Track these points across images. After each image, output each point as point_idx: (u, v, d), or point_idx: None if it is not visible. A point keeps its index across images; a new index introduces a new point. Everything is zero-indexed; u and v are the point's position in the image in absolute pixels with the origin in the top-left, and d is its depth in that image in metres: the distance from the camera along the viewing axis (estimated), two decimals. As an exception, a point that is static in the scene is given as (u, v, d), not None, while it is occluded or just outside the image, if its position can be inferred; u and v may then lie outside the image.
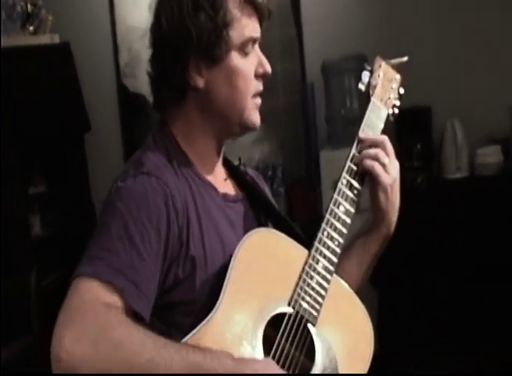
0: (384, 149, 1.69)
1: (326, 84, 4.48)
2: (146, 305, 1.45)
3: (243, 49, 1.61)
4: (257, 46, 1.66)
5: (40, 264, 3.90)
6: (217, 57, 1.59)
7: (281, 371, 1.47)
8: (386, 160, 1.67)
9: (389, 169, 1.68)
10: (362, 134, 1.71)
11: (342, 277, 1.68)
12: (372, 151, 1.68)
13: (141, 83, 4.59)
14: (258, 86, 1.65)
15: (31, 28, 4.26)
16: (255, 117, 1.66)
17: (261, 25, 1.66)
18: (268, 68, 1.66)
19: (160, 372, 1.34)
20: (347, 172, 1.68)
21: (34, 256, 4.01)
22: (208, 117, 1.63)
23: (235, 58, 1.60)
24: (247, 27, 1.61)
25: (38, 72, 4.21)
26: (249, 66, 1.63)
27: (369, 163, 1.67)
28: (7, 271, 3.81)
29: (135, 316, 1.42)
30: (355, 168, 1.68)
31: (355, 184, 1.68)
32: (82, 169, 4.37)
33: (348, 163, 1.68)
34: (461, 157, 4.49)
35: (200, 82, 1.60)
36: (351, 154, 1.69)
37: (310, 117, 4.57)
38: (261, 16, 1.65)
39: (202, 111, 1.63)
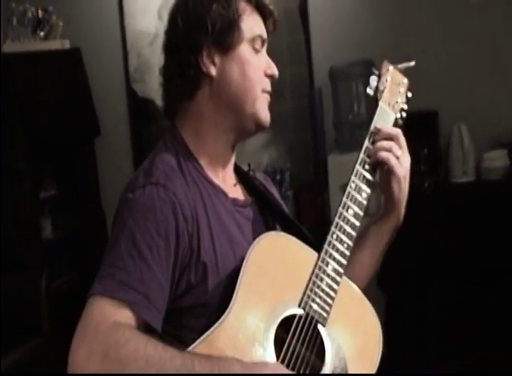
0: (398, 142, 1.73)
1: (334, 89, 4.49)
2: (157, 316, 1.48)
3: (253, 45, 1.68)
4: (265, 50, 1.72)
5: (50, 266, 3.94)
6: (229, 45, 1.65)
7: (289, 374, 1.49)
8: (399, 152, 1.72)
9: (402, 161, 1.72)
10: (377, 125, 1.75)
11: (355, 268, 1.73)
12: (386, 143, 1.71)
13: (150, 88, 4.63)
14: (267, 84, 1.71)
15: (42, 34, 4.29)
16: (266, 113, 1.70)
17: (267, 32, 1.72)
18: (276, 71, 1.72)
19: None
20: (359, 165, 1.71)
21: (44, 258, 4.05)
22: (220, 109, 1.67)
23: (246, 50, 1.67)
24: (256, 25, 1.69)
25: (49, 77, 4.25)
26: (259, 63, 1.69)
27: (384, 154, 1.71)
28: (18, 273, 3.84)
29: (147, 326, 1.46)
30: (367, 159, 1.72)
31: (368, 176, 1.72)
32: (92, 173, 4.40)
33: (362, 155, 1.72)
34: (468, 162, 4.50)
35: (213, 70, 1.65)
36: (364, 146, 1.73)
37: (318, 121, 4.59)
38: (267, 23, 1.72)
39: (214, 103, 1.66)
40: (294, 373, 1.52)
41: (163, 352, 1.39)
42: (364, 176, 1.72)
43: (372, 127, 1.76)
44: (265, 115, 1.69)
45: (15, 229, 3.98)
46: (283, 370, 1.49)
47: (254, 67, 1.67)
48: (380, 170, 1.74)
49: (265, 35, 1.71)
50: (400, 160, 1.72)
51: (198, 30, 1.64)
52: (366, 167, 1.72)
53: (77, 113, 4.31)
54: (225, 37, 1.64)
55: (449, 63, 4.66)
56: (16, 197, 3.99)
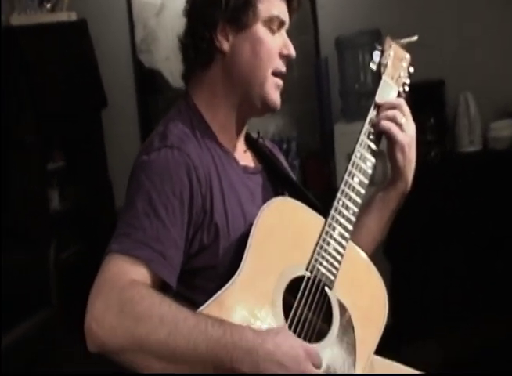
0: (401, 110, 1.75)
1: (340, 58, 4.49)
2: (172, 273, 1.51)
3: (269, 25, 1.68)
4: (284, 31, 1.72)
5: (58, 238, 3.96)
6: (243, 23, 1.65)
7: (300, 343, 1.50)
8: (403, 120, 1.74)
9: (406, 129, 1.74)
10: (378, 100, 1.77)
11: (362, 233, 1.76)
12: (389, 112, 1.74)
13: (156, 59, 4.63)
14: (281, 65, 1.71)
15: (49, 6, 4.30)
16: (275, 96, 1.71)
17: (290, 14, 1.72)
18: (293, 51, 1.72)
19: (180, 346, 1.39)
20: (364, 134, 1.74)
21: (52, 230, 4.08)
22: (231, 85, 1.68)
23: (260, 30, 1.67)
24: (276, 6, 1.69)
25: (56, 49, 4.25)
26: (274, 43, 1.69)
27: (386, 124, 1.74)
28: (26, 245, 3.87)
29: (163, 284, 1.49)
30: (372, 129, 1.75)
31: (373, 145, 1.75)
32: (99, 144, 4.41)
33: (366, 125, 1.75)
34: (474, 131, 4.50)
35: (226, 46, 1.67)
36: (369, 117, 1.76)
37: (324, 91, 4.59)
38: (290, 3, 1.72)
39: (225, 78, 1.68)
40: (302, 340, 1.53)
41: (177, 312, 1.42)
42: (369, 146, 1.75)
43: (376, 98, 1.79)
44: (273, 98, 1.71)
45: (23, 200, 4.01)
46: (293, 338, 1.50)
47: (266, 47, 1.67)
48: (386, 139, 1.77)
49: (283, 16, 1.70)
50: (403, 127, 1.74)
51: (213, 5, 1.65)
52: (371, 137, 1.75)
53: (84, 85, 4.32)
54: (240, 16, 1.65)
55: (456, 33, 4.64)
56: (24, 168, 4.01)
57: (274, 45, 1.69)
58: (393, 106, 1.76)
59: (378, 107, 1.77)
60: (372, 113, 1.77)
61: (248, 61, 1.67)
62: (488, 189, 4.30)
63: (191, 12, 1.71)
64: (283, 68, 1.72)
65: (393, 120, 1.74)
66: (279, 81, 1.72)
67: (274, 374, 1.43)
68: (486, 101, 4.53)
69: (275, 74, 1.70)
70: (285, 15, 1.71)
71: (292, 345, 1.47)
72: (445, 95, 4.54)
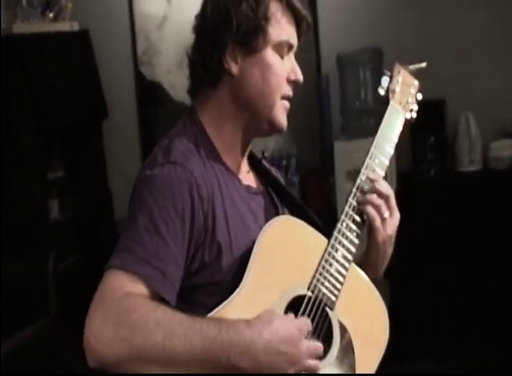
0: (388, 203, 1.72)
1: (341, 76, 4.49)
2: (171, 290, 1.51)
3: (279, 50, 1.68)
4: (292, 55, 1.72)
5: (57, 247, 3.95)
6: (253, 48, 1.65)
7: (292, 322, 1.51)
8: (386, 214, 1.72)
9: (386, 225, 1.72)
10: (371, 175, 1.74)
11: None
12: (376, 201, 1.71)
13: (158, 72, 4.63)
14: (288, 90, 1.71)
15: (51, 15, 4.28)
16: (283, 119, 1.71)
17: (299, 37, 1.72)
18: (301, 77, 1.72)
19: (176, 348, 1.39)
20: (353, 198, 1.72)
21: (52, 240, 4.07)
22: (239, 106, 1.68)
23: (270, 54, 1.67)
24: (285, 30, 1.68)
25: (58, 59, 4.24)
26: (283, 68, 1.69)
27: (371, 212, 1.71)
28: (25, 254, 3.86)
29: (162, 301, 1.48)
30: (356, 204, 1.72)
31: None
32: (99, 155, 4.40)
33: (354, 190, 1.72)
34: (475, 151, 4.51)
35: (235, 69, 1.66)
36: (357, 183, 1.73)
37: (325, 108, 4.60)
38: (300, 26, 1.72)
39: (233, 99, 1.68)
40: (291, 317, 1.53)
41: (172, 316, 1.43)
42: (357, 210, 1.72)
43: (379, 131, 1.79)
44: (280, 121, 1.71)
45: (22, 210, 4.00)
46: (285, 319, 1.51)
47: (275, 73, 1.67)
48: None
49: (293, 41, 1.71)
50: (385, 223, 1.72)
51: (224, 27, 1.65)
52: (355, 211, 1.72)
53: (85, 95, 4.32)
54: (250, 40, 1.65)
55: (458, 52, 4.66)
56: (24, 178, 4.00)
57: (283, 71, 1.69)
58: (381, 196, 1.72)
59: (366, 183, 1.73)
60: (360, 181, 1.73)
61: (257, 86, 1.67)
62: (487, 208, 4.31)
63: (201, 30, 1.70)
64: (290, 93, 1.72)
65: (378, 211, 1.71)
66: (287, 104, 1.72)
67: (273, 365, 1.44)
68: (487, 121, 4.55)
69: (283, 97, 1.70)
70: (294, 39, 1.71)
71: (287, 328, 1.48)
72: (445, 114, 4.56)
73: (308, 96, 4.60)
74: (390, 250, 1.78)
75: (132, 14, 4.64)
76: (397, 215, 1.75)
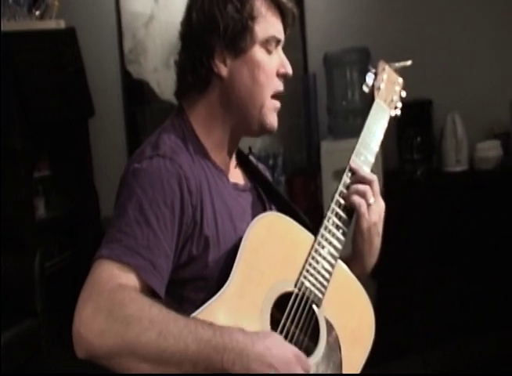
0: (372, 188, 1.73)
1: (328, 75, 4.49)
2: (161, 282, 1.51)
3: (266, 46, 1.67)
4: (280, 48, 1.71)
5: (44, 246, 3.94)
6: (241, 48, 1.65)
7: (290, 347, 1.51)
8: (371, 200, 1.72)
9: (371, 211, 1.72)
10: (353, 164, 1.75)
11: None
12: (361, 187, 1.72)
13: (144, 70, 4.62)
14: (279, 85, 1.71)
15: (38, 13, 4.27)
16: (273, 119, 1.71)
17: (285, 29, 1.72)
18: (290, 69, 1.72)
19: (170, 347, 1.38)
20: (339, 195, 1.72)
21: (38, 238, 4.05)
22: (229, 108, 1.68)
23: (258, 52, 1.66)
24: (272, 25, 1.68)
25: (44, 57, 4.23)
26: (271, 64, 1.68)
27: (357, 200, 1.71)
28: (12, 252, 3.85)
29: (151, 293, 1.48)
30: (342, 201, 1.72)
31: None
32: (85, 153, 4.39)
33: (340, 188, 1.73)
34: (461, 151, 4.53)
35: (224, 71, 1.66)
36: (343, 181, 1.73)
37: (311, 106, 4.60)
38: (286, 19, 1.71)
39: (223, 102, 1.68)
40: (291, 345, 1.53)
41: (167, 314, 1.42)
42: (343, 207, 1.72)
43: (365, 126, 1.79)
44: (271, 121, 1.70)
45: (9, 208, 3.98)
46: (283, 342, 1.51)
47: (264, 71, 1.67)
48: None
49: (279, 35, 1.70)
50: (370, 209, 1.72)
51: (211, 31, 1.64)
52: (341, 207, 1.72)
53: (72, 93, 4.30)
54: (238, 41, 1.65)
55: (445, 53, 4.68)
56: (10, 176, 3.99)
57: (271, 67, 1.68)
58: (365, 182, 1.73)
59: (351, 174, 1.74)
60: (346, 177, 1.74)
61: (247, 86, 1.66)
62: (473, 208, 4.32)
63: (187, 37, 1.69)
64: (280, 87, 1.71)
65: (363, 197, 1.71)
66: (277, 104, 1.71)
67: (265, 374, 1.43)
68: (473, 122, 4.57)
69: (274, 95, 1.69)
70: (280, 33, 1.70)
71: (282, 349, 1.47)
72: (432, 114, 4.57)
73: (295, 95, 4.60)
74: (377, 241, 1.77)
75: (119, 12, 4.62)
76: (382, 202, 1.76)
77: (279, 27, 1.70)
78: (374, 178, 1.75)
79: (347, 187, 1.73)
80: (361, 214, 1.71)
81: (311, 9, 4.64)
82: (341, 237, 1.69)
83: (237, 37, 1.64)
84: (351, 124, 4.25)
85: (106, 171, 4.25)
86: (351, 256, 1.78)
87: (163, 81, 4.55)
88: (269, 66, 1.68)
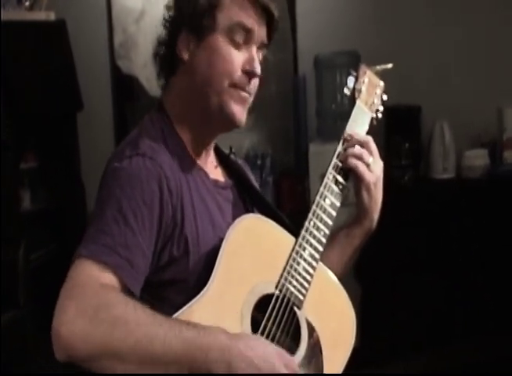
0: (369, 149, 1.76)
1: (318, 78, 4.50)
2: (138, 281, 1.50)
3: (231, 37, 1.65)
4: (254, 47, 1.69)
5: (29, 238, 3.92)
6: (202, 34, 1.65)
7: (273, 347, 1.51)
8: (370, 159, 1.75)
9: (373, 168, 1.76)
10: (348, 132, 1.79)
11: (324, 264, 1.74)
12: (357, 150, 1.75)
13: (134, 65, 4.60)
14: (241, 80, 1.67)
15: (27, 3, 4.24)
16: (236, 109, 1.67)
17: (269, 26, 1.71)
18: (256, 69, 1.68)
19: (156, 349, 1.38)
20: (333, 168, 1.75)
21: (23, 230, 4.03)
22: (192, 95, 1.68)
23: (220, 40, 1.65)
24: (236, 13, 1.66)
25: (33, 48, 4.19)
26: (236, 56, 1.66)
27: (353, 161, 1.74)
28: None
29: (128, 292, 1.47)
30: (340, 164, 1.75)
31: (340, 179, 1.75)
32: (73, 147, 4.37)
33: (334, 159, 1.76)
34: (448, 158, 4.54)
35: (185, 55, 1.67)
36: (337, 151, 1.77)
37: (301, 109, 4.59)
38: (266, 13, 1.69)
39: (188, 88, 1.68)
40: (276, 346, 1.53)
41: (151, 316, 1.42)
42: (340, 170, 1.76)
43: (347, 127, 1.81)
44: (233, 111, 1.67)
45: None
46: (267, 344, 1.51)
47: (223, 59, 1.65)
48: (352, 176, 1.77)
49: (248, 24, 1.67)
50: (370, 167, 1.76)
51: (178, 14, 1.68)
52: (338, 171, 1.76)
53: (60, 87, 4.27)
54: (198, 25, 1.65)
55: (434, 59, 4.68)
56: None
57: (233, 58, 1.66)
58: (360, 144, 1.76)
59: (346, 141, 1.78)
60: (340, 148, 1.77)
61: (204, 71, 1.65)
62: (459, 216, 4.33)
63: (163, 20, 1.72)
64: (242, 82, 1.67)
65: (360, 158, 1.74)
66: (242, 94, 1.68)
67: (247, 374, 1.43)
68: (461, 130, 4.58)
69: (234, 85, 1.66)
70: (250, 22, 1.67)
71: (266, 348, 1.48)
72: (421, 121, 4.58)
73: (284, 96, 4.60)
74: (379, 195, 1.80)
75: (110, 6, 4.60)
76: (380, 161, 1.79)
77: (245, 13, 1.66)
78: (368, 138, 1.78)
79: (329, 188, 1.74)
80: (360, 173, 1.74)
81: (302, 11, 4.63)
82: (322, 239, 1.69)
83: (198, 23, 1.65)
84: (340, 127, 4.21)
85: (93, 165, 4.19)
86: (356, 217, 1.82)
87: (152, 76, 4.51)
88: (230, 56, 1.65)
